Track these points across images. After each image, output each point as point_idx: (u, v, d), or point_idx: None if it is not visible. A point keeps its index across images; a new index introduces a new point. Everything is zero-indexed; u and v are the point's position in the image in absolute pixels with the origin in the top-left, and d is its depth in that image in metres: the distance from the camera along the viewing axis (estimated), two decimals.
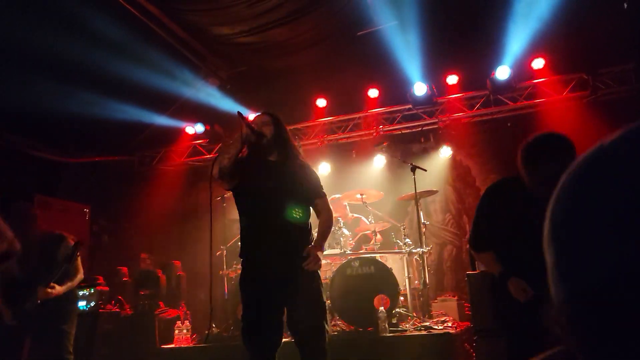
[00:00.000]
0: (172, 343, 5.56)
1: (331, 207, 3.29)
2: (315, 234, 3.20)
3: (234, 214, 3.52)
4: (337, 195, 6.23)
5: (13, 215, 3.91)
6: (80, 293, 5.76)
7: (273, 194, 3.04)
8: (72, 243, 4.02)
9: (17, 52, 6.02)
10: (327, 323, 3.08)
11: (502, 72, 7.02)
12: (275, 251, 2.99)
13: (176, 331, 5.65)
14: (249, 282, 3.05)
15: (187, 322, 5.79)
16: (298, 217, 3.05)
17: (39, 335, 3.90)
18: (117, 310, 6.14)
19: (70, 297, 4.10)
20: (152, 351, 5.57)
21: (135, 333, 5.82)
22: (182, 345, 5.51)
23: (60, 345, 3.89)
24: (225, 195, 6.60)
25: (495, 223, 2.74)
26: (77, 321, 4.13)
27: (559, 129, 7.11)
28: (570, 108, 7.16)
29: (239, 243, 3.29)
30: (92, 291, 5.89)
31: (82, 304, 5.73)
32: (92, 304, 5.83)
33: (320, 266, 3.04)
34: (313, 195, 3.18)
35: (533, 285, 2.53)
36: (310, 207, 3.19)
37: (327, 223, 3.20)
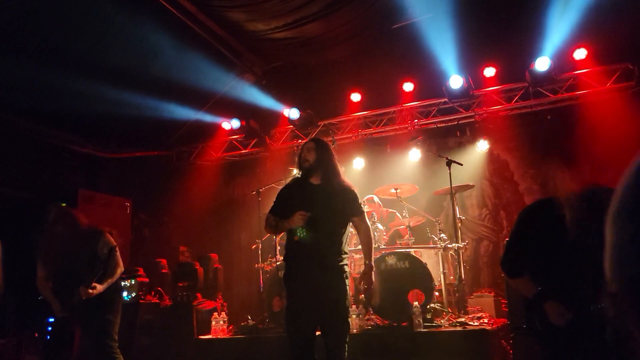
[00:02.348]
0: (209, 334, 5.70)
1: (369, 222, 3.61)
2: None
3: (269, 208, 3.62)
4: (370, 195, 6.23)
5: (50, 218, 4.10)
6: (122, 284, 5.96)
7: (314, 215, 3.35)
8: (110, 237, 4.17)
9: (62, 54, 6.25)
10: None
11: (542, 63, 6.82)
12: (313, 265, 3.35)
13: (213, 322, 5.78)
14: (296, 286, 3.42)
15: (223, 314, 5.92)
16: (335, 235, 3.41)
17: (86, 324, 4.08)
18: (157, 301, 6.32)
19: (115, 288, 4.26)
20: (190, 341, 5.71)
21: (174, 323, 5.98)
22: (219, 337, 5.63)
23: (106, 333, 4.05)
24: (261, 190, 6.68)
25: (530, 247, 2.70)
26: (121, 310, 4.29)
27: (602, 121, 6.92)
28: (614, 100, 6.90)
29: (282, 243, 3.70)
30: (133, 282, 6.08)
31: (123, 294, 5.93)
32: (133, 294, 6.02)
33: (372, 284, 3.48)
34: (351, 213, 3.50)
35: (571, 305, 2.50)
36: (347, 225, 3.52)
37: (367, 239, 3.56)
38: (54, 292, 4.06)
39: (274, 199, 3.63)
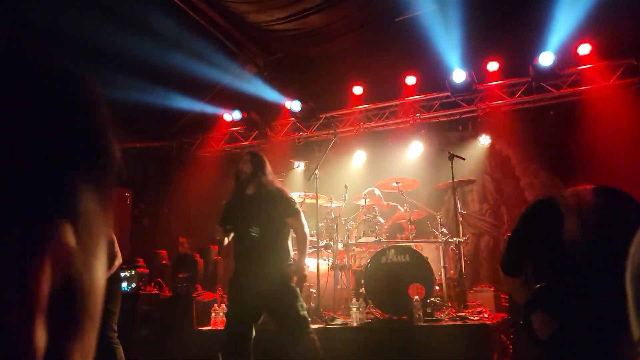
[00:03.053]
0: (208, 325, 5.69)
1: (305, 225, 3.80)
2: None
3: None
4: (372, 188, 6.21)
5: None
6: (122, 274, 5.94)
7: (248, 223, 3.67)
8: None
9: (61, 40, 6.20)
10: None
11: (546, 58, 6.79)
12: (254, 271, 3.63)
13: (213, 314, 5.77)
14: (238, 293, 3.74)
15: (223, 306, 5.91)
16: (273, 240, 3.69)
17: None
18: (157, 292, 6.31)
19: (114, 278, 4.24)
20: (190, 332, 5.71)
21: (174, 314, 5.97)
22: (219, 328, 5.63)
23: (104, 324, 4.04)
24: None
25: (528, 248, 2.66)
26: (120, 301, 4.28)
27: (605, 117, 6.89)
28: (617, 96, 6.87)
29: None
30: (133, 273, 6.07)
31: (123, 285, 5.92)
32: (133, 285, 6.01)
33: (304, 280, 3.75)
34: (285, 215, 3.73)
35: (568, 312, 2.46)
36: (284, 225, 3.75)
37: (301, 238, 3.80)
38: None
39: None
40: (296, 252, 3.91)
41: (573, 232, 2.47)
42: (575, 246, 2.47)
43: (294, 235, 3.88)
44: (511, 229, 2.81)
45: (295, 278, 3.66)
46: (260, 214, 3.69)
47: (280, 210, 3.74)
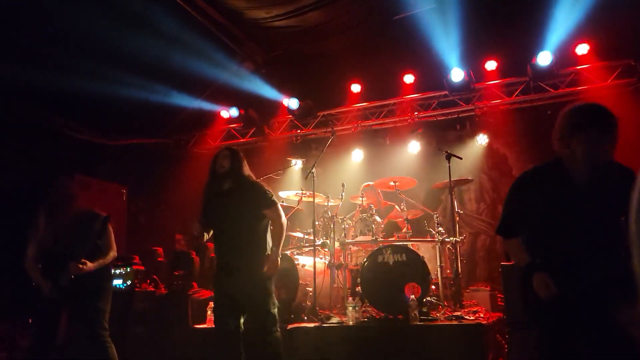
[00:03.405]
0: (204, 323, 5.68)
1: (283, 216, 3.87)
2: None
3: None
4: (370, 183, 6.19)
5: (54, 191, 4.04)
6: (117, 272, 5.92)
7: (226, 218, 3.77)
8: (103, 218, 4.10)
9: (58, 36, 6.17)
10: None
11: (544, 58, 6.78)
12: (232, 266, 3.72)
13: (209, 312, 5.75)
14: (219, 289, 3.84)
15: None
16: (251, 233, 3.76)
17: (76, 312, 4.01)
18: (152, 289, 6.29)
19: (105, 275, 4.20)
20: (186, 330, 5.69)
21: (170, 312, 5.95)
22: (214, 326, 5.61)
23: (96, 322, 4.00)
24: (259, 180, 6.64)
25: (527, 209, 2.60)
26: (112, 299, 4.23)
27: None
28: (614, 96, 6.87)
29: None
30: (128, 270, 6.04)
31: (118, 282, 5.90)
32: (128, 282, 5.99)
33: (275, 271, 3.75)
34: (262, 207, 3.80)
35: (565, 277, 2.41)
36: (262, 218, 3.82)
37: (278, 229, 3.85)
38: (44, 273, 3.99)
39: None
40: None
41: (569, 193, 2.45)
42: (569, 207, 2.45)
43: (272, 227, 3.91)
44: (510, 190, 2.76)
45: (266, 267, 3.68)
46: (238, 209, 3.76)
47: (257, 203, 3.81)
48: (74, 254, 3.91)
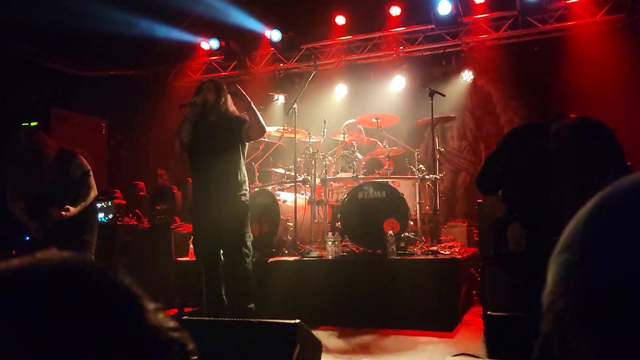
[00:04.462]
0: (187, 256, 5.78)
1: (263, 122, 3.93)
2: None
3: None
4: (352, 120, 6.13)
5: (19, 139, 3.96)
6: (98, 205, 5.92)
7: (208, 149, 3.84)
8: (83, 159, 4.08)
9: None
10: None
11: None
12: (212, 197, 3.83)
13: (191, 245, 5.84)
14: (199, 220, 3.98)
15: None
16: (227, 165, 3.85)
17: (63, 246, 4.05)
18: (135, 223, 6.33)
19: (90, 209, 4.22)
20: (169, 262, 5.80)
21: (153, 245, 6.03)
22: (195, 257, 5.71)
23: (83, 254, 4.06)
24: (242, 114, 6.54)
25: (505, 166, 2.68)
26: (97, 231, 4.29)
27: (590, 54, 6.81)
28: (602, 32, 6.77)
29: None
30: (110, 204, 6.05)
31: (100, 215, 5.91)
32: (110, 216, 6.01)
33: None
34: (239, 126, 3.90)
35: (541, 229, 2.49)
36: (242, 151, 3.95)
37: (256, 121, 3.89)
38: (28, 214, 4.01)
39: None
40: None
41: (547, 151, 2.51)
42: (547, 163, 2.52)
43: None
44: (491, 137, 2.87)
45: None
46: (220, 141, 3.85)
47: (236, 129, 3.91)
48: (55, 199, 3.91)
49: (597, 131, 2.57)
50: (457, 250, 4.94)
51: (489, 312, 2.50)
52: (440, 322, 4.15)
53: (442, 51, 7.69)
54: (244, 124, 3.92)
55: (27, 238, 4.49)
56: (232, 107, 4.02)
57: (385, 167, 5.65)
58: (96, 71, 8.31)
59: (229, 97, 4.02)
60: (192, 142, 3.91)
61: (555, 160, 2.52)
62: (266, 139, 5.77)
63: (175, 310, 5.29)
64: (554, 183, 2.49)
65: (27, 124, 6.86)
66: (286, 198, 5.53)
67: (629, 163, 2.70)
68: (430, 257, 4.64)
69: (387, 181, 5.27)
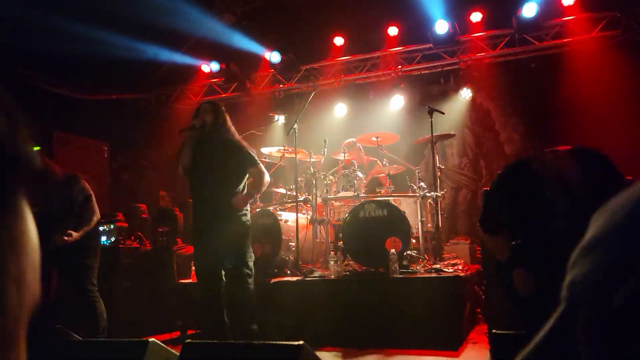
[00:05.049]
0: (189, 278, 5.76)
1: (265, 172, 4.00)
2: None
3: None
4: (352, 139, 6.16)
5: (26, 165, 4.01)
6: (100, 228, 5.92)
7: (207, 172, 3.85)
8: (85, 184, 4.12)
9: None
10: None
11: (529, 9, 6.68)
12: (213, 221, 3.82)
13: (193, 267, 5.82)
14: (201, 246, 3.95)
15: None
16: (226, 187, 3.85)
17: (64, 269, 4.09)
18: (137, 245, 6.32)
19: (92, 234, 4.24)
20: (171, 285, 5.78)
21: (155, 268, 6.02)
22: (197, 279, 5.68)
23: (84, 278, 4.07)
24: (242, 136, 6.58)
25: (506, 208, 2.65)
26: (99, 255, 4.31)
27: (586, 71, 6.85)
28: (598, 49, 6.84)
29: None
30: (112, 227, 6.04)
31: (102, 238, 5.91)
32: (112, 239, 6.00)
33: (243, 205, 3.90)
34: (245, 166, 3.92)
35: (547, 272, 2.47)
36: (244, 176, 3.97)
37: (254, 184, 4.00)
38: None
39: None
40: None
41: (551, 197, 2.48)
42: (553, 208, 2.49)
43: (251, 179, 4.03)
44: (489, 186, 2.83)
45: (234, 200, 3.83)
46: (220, 162, 3.85)
47: (240, 161, 3.91)
48: (57, 223, 3.93)
49: (592, 163, 2.53)
50: (461, 267, 4.91)
51: (494, 331, 2.46)
52: (445, 341, 4.10)
53: (440, 69, 7.76)
54: (247, 167, 3.95)
55: None
56: (231, 127, 4.03)
57: (385, 186, 5.66)
58: (98, 95, 8.39)
59: (227, 117, 4.02)
60: (192, 164, 3.93)
61: (551, 200, 2.49)
62: (267, 159, 5.79)
63: (177, 333, 5.26)
64: (555, 224, 2.47)
65: None
66: (288, 218, 5.53)
67: (629, 177, 2.70)
68: (433, 275, 4.61)
69: (389, 199, 5.27)
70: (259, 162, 4.01)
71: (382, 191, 5.60)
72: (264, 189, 4.08)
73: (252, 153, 3.97)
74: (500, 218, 2.67)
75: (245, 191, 4.00)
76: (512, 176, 2.68)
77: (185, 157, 3.92)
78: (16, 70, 7.15)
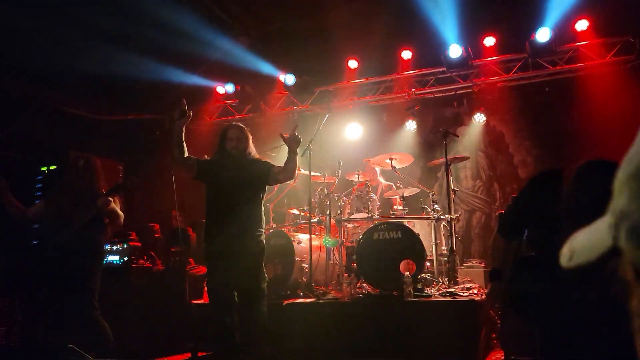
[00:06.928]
0: (201, 299, 5.74)
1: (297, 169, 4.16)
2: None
3: None
4: (370, 159, 6.18)
5: (77, 165, 4.18)
6: (114, 248, 5.95)
7: (228, 187, 3.92)
8: (114, 205, 4.25)
9: (54, 13, 6.06)
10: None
11: (543, 34, 6.72)
12: (229, 236, 3.81)
13: (206, 287, 5.80)
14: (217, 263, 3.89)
15: None
16: (250, 210, 3.91)
17: (65, 294, 4.09)
18: (149, 265, 6.33)
19: (97, 255, 4.28)
20: (183, 305, 5.76)
21: (167, 288, 6.01)
22: (210, 301, 5.66)
23: (87, 302, 4.06)
24: (256, 157, 6.62)
25: (527, 215, 2.70)
26: (109, 275, 4.34)
27: (600, 95, 6.86)
28: (612, 73, 6.85)
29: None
30: (125, 246, 6.07)
31: (114, 258, 5.93)
32: (125, 258, 6.01)
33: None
34: (267, 170, 4.00)
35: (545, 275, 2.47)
36: (262, 193, 4.06)
37: (285, 169, 3.98)
38: (44, 230, 4.21)
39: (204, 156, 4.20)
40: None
41: (564, 201, 2.50)
42: (567, 214, 2.50)
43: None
44: (516, 195, 2.88)
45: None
46: (242, 183, 3.91)
47: (260, 172, 3.99)
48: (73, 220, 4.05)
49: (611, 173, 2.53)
50: (476, 291, 4.85)
51: (513, 357, 2.42)
52: None
53: (453, 93, 7.79)
54: (272, 168, 4.02)
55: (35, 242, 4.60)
56: (253, 150, 4.13)
57: (400, 208, 5.64)
58: (114, 115, 8.51)
59: (250, 139, 4.12)
60: (214, 184, 4.02)
61: (572, 207, 2.51)
62: None
63: (188, 355, 5.22)
64: (570, 228, 2.46)
65: (45, 168, 7.04)
66: (301, 239, 5.52)
67: None
68: (448, 298, 4.55)
69: (402, 221, 5.25)
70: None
71: (396, 213, 5.58)
72: (295, 173, 4.19)
73: (268, 160, 4.15)
74: (523, 222, 2.71)
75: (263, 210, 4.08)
76: (538, 183, 2.73)
77: (209, 175, 4.05)
78: (36, 91, 7.30)
